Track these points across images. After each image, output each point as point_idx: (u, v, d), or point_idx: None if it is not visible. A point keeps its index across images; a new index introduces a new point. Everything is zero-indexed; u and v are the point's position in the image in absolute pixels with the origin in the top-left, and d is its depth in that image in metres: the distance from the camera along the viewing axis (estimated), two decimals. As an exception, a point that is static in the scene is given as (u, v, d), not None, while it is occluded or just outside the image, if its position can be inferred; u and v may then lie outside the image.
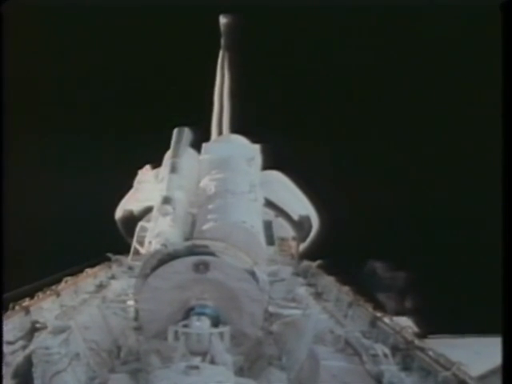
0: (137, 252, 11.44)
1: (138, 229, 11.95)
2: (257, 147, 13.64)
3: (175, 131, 12.42)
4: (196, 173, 12.50)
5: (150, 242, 10.94)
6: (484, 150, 18.66)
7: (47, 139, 22.36)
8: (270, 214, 14.40)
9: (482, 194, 17.44)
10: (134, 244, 11.60)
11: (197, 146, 13.60)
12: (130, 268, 10.75)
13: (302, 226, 15.59)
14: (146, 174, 15.03)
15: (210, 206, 10.07)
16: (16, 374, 5.36)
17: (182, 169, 11.63)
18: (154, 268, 6.40)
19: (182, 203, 11.23)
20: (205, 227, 9.30)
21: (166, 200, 10.80)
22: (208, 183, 11.25)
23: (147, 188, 13.99)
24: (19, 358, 5.49)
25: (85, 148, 23.16)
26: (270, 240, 12.07)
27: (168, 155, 12.22)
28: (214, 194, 10.63)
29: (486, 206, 14.69)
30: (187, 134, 12.42)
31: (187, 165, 12.22)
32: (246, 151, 13.29)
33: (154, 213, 11.22)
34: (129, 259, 11.18)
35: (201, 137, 14.16)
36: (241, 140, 14.76)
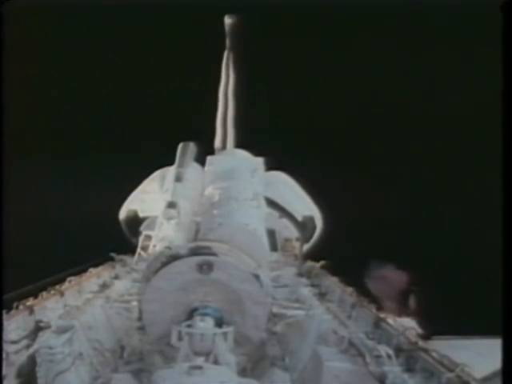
0: (141, 257, 11.57)
1: (141, 238, 12.12)
2: (260, 160, 13.89)
3: (180, 145, 12.79)
4: (200, 184, 12.80)
5: (154, 246, 11.07)
6: (484, 151, 18.62)
7: (48, 140, 22.44)
8: (274, 215, 14.47)
9: (483, 194, 17.41)
10: (139, 251, 11.74)
11: (201, 160, 13.97)
12: (134, 269, 10.83)
13: (305, 226, 15.65)
14: (150, 185, 15.28)
15: (214, 212, 10.14)
16: (19, 374, 5.38)
17: (187, 179, 11.90)
18: (158, 269, 6.41)
19: (186, 211, 11.41)
20: (208, 230, 9.34)
21: (171, 204, 11.00)
22: (212, 191, 11.46)
23: (152, 198, 14.24)
24: (23, 357, 5.50)
25: (88, 149, 23.24)
26: (274, 247, 12.19)
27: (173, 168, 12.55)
28: (218, 201, 10.76)
29: (487, 207, 14.65)
30: (192, 147, 12.82)
31: (192, 176, 12.56)
32: (250, 163, 13.62)
33: (159, 219, 11.39)
34: (133, 263, 11.26)
35: (205, 151, 14.57)
36: (244, 153, 15.14)
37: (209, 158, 13.90)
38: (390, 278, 14.80)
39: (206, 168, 13.53)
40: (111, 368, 6.76)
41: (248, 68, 22.94)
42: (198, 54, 24.65)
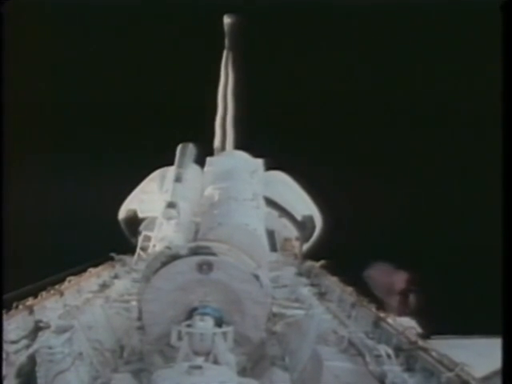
0: (141, 256, 11.58)
1: (141, 238, 12.13)
2: (259, 161, 13.92)
3: (179, 146, 12.82)
4: (200, 185, 12.82)
5: (154, 246, 11.07)
6: (484, 150, 18.64)
7: (48, 140, 22.40)
8: (274, 214, 14.47)
9: (483, 194, 17.42)
10: (138, 251, 11.75)
11: (200, 161, 14.04)
12: (134, 268, 10.84)
13: (305, 226, 15.65)
14: (150, 185, 15.29)
15: (214, 212, 10.14)
16: (19, 374, 5.37)
17: (186, 180, 11.90)
18: (158, 269, 6.41)
19: (185, 212, 11.42)
20: (208, 230, 9.34)
21: (171, 204, 11.02)
22: (211, 192, 11.45)
23: (151, 199, 14.27)
24: (22, 357, 5.50)
25: (88, 149, 23.25)
26: (273, 247, 12.21)
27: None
28: (218, 201, 10.74)
29: (487, 207, 14.67)
30: (191, 149, 12.87)
31: (191, 177, 12.59)
32: (249, 164, 13.65)
33: (159, 219, 11.40)
34: (133, 263, 11.27)
35: (204, 152, 14.62)
36: (243, 155, 15.14)
37: (208, 159, 13.95)
38: (374, 278, 14.83)
39: (205, 169, 13.56)
40: (111, 368, 6.75)
41: (247, 68, 22.93)
42: (197, 54, 24.66)
